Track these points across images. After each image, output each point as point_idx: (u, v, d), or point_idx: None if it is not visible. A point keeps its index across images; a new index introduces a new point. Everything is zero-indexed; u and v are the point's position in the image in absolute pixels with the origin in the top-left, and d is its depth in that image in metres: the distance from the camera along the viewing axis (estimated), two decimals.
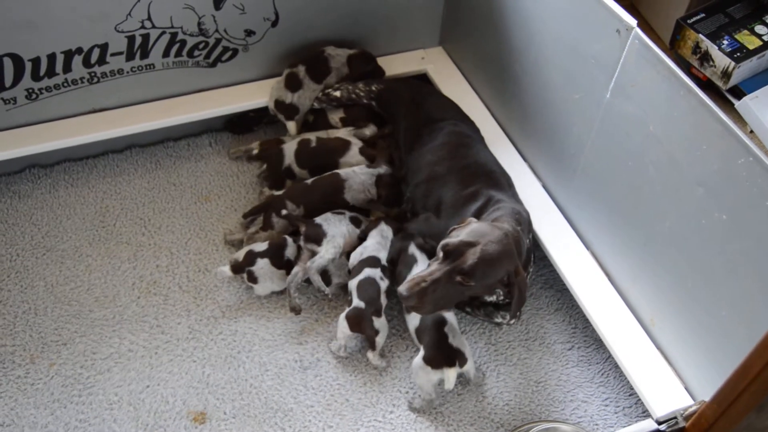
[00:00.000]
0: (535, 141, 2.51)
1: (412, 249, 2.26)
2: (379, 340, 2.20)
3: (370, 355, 2.21)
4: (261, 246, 2.33)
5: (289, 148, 2.59)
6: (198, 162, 2.74)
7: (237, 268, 2.29)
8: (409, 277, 2.02)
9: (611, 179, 2.16)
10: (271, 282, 2.32)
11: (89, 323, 2.29)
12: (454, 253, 1.95)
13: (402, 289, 1.94)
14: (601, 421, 2.17)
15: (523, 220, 2.17)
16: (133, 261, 2.44)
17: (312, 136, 2.63)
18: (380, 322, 2.20)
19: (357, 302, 2.21)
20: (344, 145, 2.60)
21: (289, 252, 2.35)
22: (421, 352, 2.10)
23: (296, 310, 2.26)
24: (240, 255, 2.32)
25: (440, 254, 1.97)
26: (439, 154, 2.42)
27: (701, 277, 1.91)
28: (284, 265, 2.33)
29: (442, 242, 1.98)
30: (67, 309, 2.32)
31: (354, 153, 2.59)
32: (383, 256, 2.31)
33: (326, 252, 2.29)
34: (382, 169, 2.51)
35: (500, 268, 1.97)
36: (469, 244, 1.95)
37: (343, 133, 2.67)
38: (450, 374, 2.06)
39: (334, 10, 2.67)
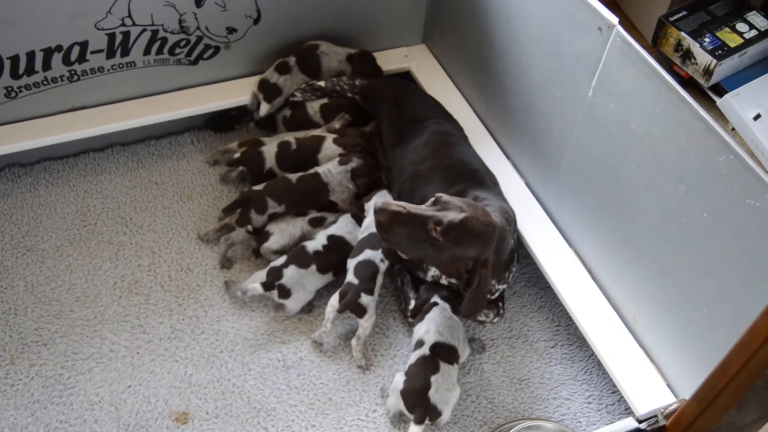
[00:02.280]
0: (517, 138, 2.52)
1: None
2: (365, 323, 2.18)
3: (354, 342, 2.20)
4: (281, 259, 2.30)
5: (269, 151, 2.57)
6: (180, 160, 2.73)
7: (267, 285, 2.25)
8: None
9: (594, 177, 2.16)
10: (303, 290, 2.28)
11: (70, 323, 2.27)
12: (443, 205, 1.95)
13: (380, 201, 1.94)
14: (584, 418, 2.18)
15: (510, 219, 2.18)
16: (114, 260, 2.42)
17: (291, 138, 2.61)
18: (369, 300, 2.19)
19: (351, 278, 2.22)
20: (319, 141, 2.59)
21: (311, 246, 2.32)
22: (403, 381, 2.07)
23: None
24: (262, 274, 2.28)
25: (430, 201, 1.97)
26: (423, 153, 2.42)
27: (683, 274, 1.92)
28: (310, 261, 2.30)
29: (438, 193, 1.99)
30: (48, 309, 2.29)
31: (328, 145, 2.58)
32: None
33: (274, 242, 2.37)
34: (354, 162, 2.49)
35: (474, 245, 1.95)
36: (460, 208, 1.95)
37: (319, 131, 2.67)
38: (414, 430, 2.02)
39: (316, 8, 2.66)
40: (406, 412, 2.03)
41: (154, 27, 2.46)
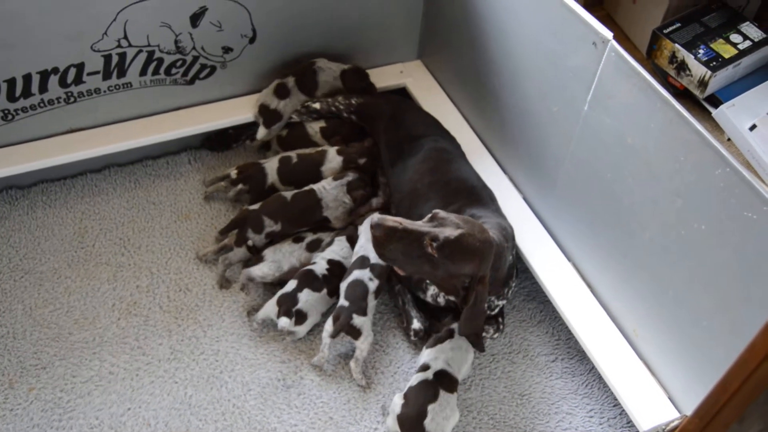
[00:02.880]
0: (514, 153, 2.52)
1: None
2: (362, 345, 2.18)
3: (352, 364, 2.19)
4: (291, 285, 2.29)
5: (270, 166, 2.57)
6: (177, 180, 2.73)
7: (285, 312, 2.23)
8: None
9: (591, 191, 2.16)
10: (317, 312, 2.29)
11: (69, 346, 2.26)
12: (440, 221, 1.95)
13: (377, 215, 1.94)
14: None
15: (508, 236, 2.18)
16: (112, 282, 2.42)
17: (293, 153, 2.62)
18: (362, 321, 2.18)
19: (342, 302, 2.22)
20: (321, 154, 2.60)
21: (319, 270, 2.33)
22: (401, 405, 2.05)
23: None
24: (272, 305, 2.26)
25: (427, 217, 1.97)
26: (420, 171, 2.42)
27: (681, 287, 1.92)
28: (321, 285, 2.30)
29: (435, 210, 1.99)
30: (46, 332, 2.29)
31: (332, 156, 2.59)
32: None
33: (258, 269, 2.35)
34: (350, 176, 2.50)
35: (470, 262, 1.95)
36: (456, 224, 1.95)
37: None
38: None
39: (312, 26, 2.67)
40: None
41: (150, 48, 2.47)
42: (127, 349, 2.26)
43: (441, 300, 2.27)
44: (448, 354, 2.16)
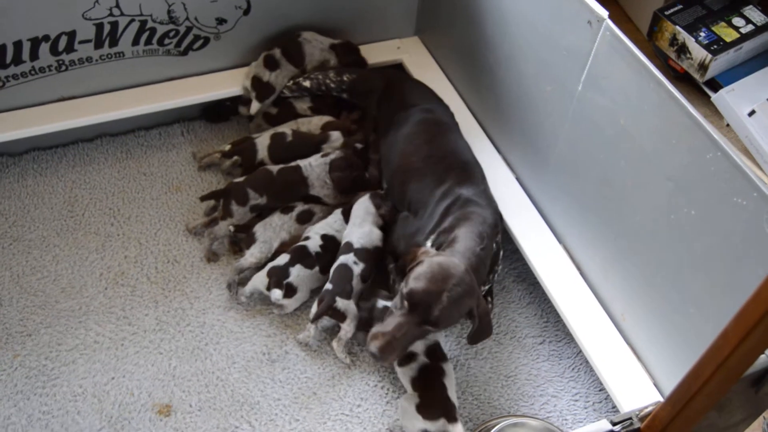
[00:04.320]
0: (509, 133, 2.49)
1: (381, 303, 2.19)
2: (347, 327, 2.17)
3: (335, 344, 2.19)
4: (283, 258, 2.28)
5: (261, 142, 2.56)
6: (169, 152, 2.71)
7: (275, 283, 2.22)
8: (375, 329, 1.95)
9: (583, 172, 2.14)
10: (306, 288, 2.28)
11: (55, 314, 2.26)
12: (420, 304, 1.90)
13: (373, 348, 1.91)
14: (570, 416, 2.16)
15: (486, 234, 2.12)
16: (101, 251, 2.41)
17: (287, 129, 2.60)
18: (347, 304, 2.17)
19: (327, 285, 2.21)
20: (324, 137, 2.59)
21: (312, 247, 2.31)
22: (415, 400, 2.03)
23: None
24: (262, 277, 2.25)
25: (405, 304, 1.92)
26: (416, 143, 2.40)
27: (670, 273, 1.90)
28: (314, 262, 2.29)
29: (406, 290, 1.92)
30: (33, 300, 2.28)
31: (336, 137, 2.58)
32: (360, 233, 2.29)
33: (250, 255, 2.32)
34: (334, 155, 2.47)
35: (465, 307, 1.95)
36: (434, 294, 1.90)
37: (316, 123, 2.65)
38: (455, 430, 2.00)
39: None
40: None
41: (142, 17, 2.44)
42: (113, 318, 2.26)
43: None
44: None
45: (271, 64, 2.62)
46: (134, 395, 2.11)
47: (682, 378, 1.15)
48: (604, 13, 1.93)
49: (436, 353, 2.12)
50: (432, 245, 2.14)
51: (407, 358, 2.10)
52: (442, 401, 2.03)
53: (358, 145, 2.58)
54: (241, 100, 2.72)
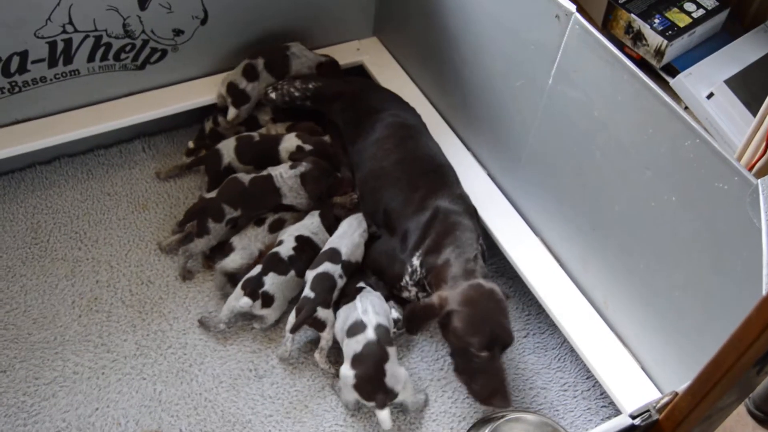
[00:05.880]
0: (478, 130, 2.50)
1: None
2: (327, 335, 2.14)
3: (316, 355, 2.16)
4: (256, 269, 2.24)
5: (227, 145, 2.50)
6: (132, 169, 2.63)
7: (250, 295, 2.18)
8: (484, 388, 2.00)
9: (558, 165, 2.16)
10: (284, 297, 2.24)
11: (29, 347, 2.17)
12: (496, 341, 1.98)
13: (503, 404, 1.98)
14: (561, 406, 2.19)
15: (471, 242, 2.15)
16: (71, 278, 2.33)
17: (254, 133, 2.56)
18: (327, 313, 2.14)
19: (307, 291, 2.17)
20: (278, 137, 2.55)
21: (284, 252, 2.27)
22: (352, 372, 2.02)
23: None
24: (236, 293, 2.20)
25: (483, 353, 1.96)
26: (385, 148, 2.38)
27: (653, 259, 1.93)
28: (288, 267, 2.25)
29: (474, 342, 1.96)
30: (4, 334, 2.19)
31: (288, 137, 2.52)
32: (350, 243, 2.27)
33: (231, 261, 2.30)
34: (303, 166, 2.42)
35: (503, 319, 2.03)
36: (498, 322, 1.99)
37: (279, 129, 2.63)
38: (383, 415, 2.00)
39: (264, 5, 2.58)
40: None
41: (97, 33, 2.36)
42: (91, 347, 2.19)
43: (411, 292, 2.25)
44: (375, 302, 2.15)
45: (251, 75, 2.57)
46: (121, 425, 2.05)
47: (702, 369, 1.17)
48: (571, 6, 1.94)
49: (383, 332, 2.08)
50: (421, 267, 2.15)
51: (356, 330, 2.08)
52: (379, 386, 2.01)
53: (327, 138, 2.54)
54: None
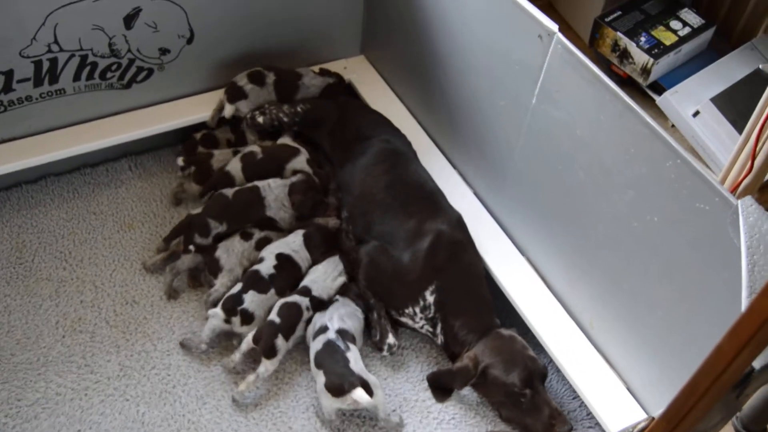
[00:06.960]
0: (464, 149, 2.50)
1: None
2: (270, 366, 2.11)
3: (251, 378, 2.11)
4: (236, 287, 2.24)
5: (234, 167, 2.50)
6: (118, 188, 2.63)
7: (228, 312, 2.17)
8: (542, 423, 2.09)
9: (542, 185, 2.16)
10: (263, 315, 2.22)
11: (11, 368, 2.16)
12: (533, 375, 2.09)
13: (562, 427, 2.06)
14: None
15: (480, 271, 2.29)
16: (55, 298, 2.32)
17: (256, 148, 2.55)
18: (283, 344, 2.13)
19: (273, 316, 2.17)
20: (293, 152, 2.54)
21: (265, 270, 2.26)
22: (321, 371, 2.05)
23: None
24: (217, 312, 2.19)
25: (527, 391, 2.07)
26: (375, 173, 2.39)
27: (637, 279, 1.92)
28: (268, 286, 2.25)
29: (515, 381, 2.06)
30: None
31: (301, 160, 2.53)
32: (323, 286, 2.28)
33: (221, 285, 2.29)
34: (295, 178, 2.43)
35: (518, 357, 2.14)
36: (528, 358, 2.12)
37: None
38: (358, 393, 2.01)
39: (250, 24, 2.59)
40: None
41: (82, 52, 2.37)
42: (74, 368, 2.18)
43: (418, 323, 2.26)
44: (340, 311, 2.20)
45: (256, 80, 2.59)
46: None
47: (677, 394, 1.16)
48: (554, 26, 1.95)
49: (345, 335, 2.14)
50: (435, 306, 2.22)
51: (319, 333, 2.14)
52: (345, 369, 2.04)
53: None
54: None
